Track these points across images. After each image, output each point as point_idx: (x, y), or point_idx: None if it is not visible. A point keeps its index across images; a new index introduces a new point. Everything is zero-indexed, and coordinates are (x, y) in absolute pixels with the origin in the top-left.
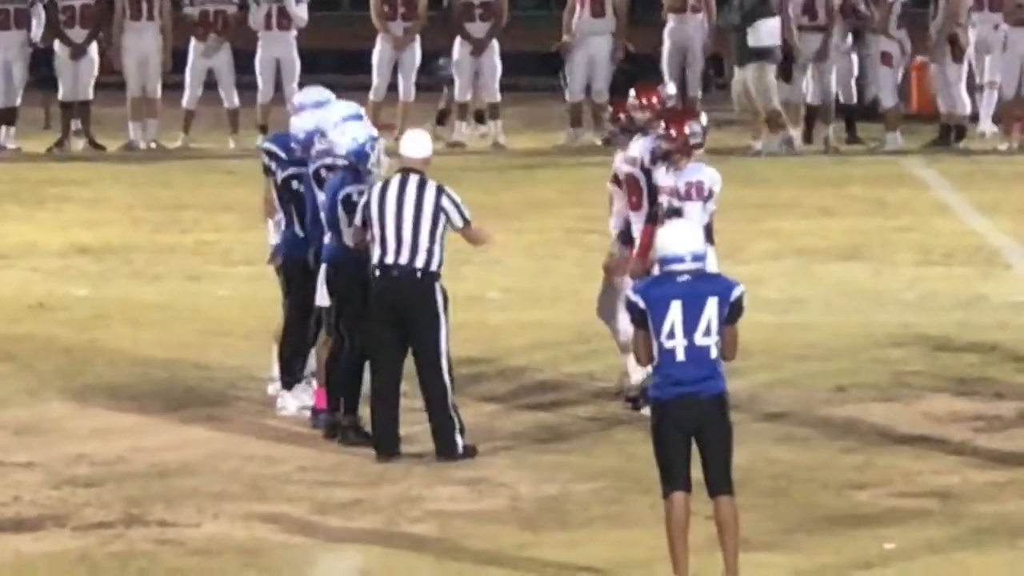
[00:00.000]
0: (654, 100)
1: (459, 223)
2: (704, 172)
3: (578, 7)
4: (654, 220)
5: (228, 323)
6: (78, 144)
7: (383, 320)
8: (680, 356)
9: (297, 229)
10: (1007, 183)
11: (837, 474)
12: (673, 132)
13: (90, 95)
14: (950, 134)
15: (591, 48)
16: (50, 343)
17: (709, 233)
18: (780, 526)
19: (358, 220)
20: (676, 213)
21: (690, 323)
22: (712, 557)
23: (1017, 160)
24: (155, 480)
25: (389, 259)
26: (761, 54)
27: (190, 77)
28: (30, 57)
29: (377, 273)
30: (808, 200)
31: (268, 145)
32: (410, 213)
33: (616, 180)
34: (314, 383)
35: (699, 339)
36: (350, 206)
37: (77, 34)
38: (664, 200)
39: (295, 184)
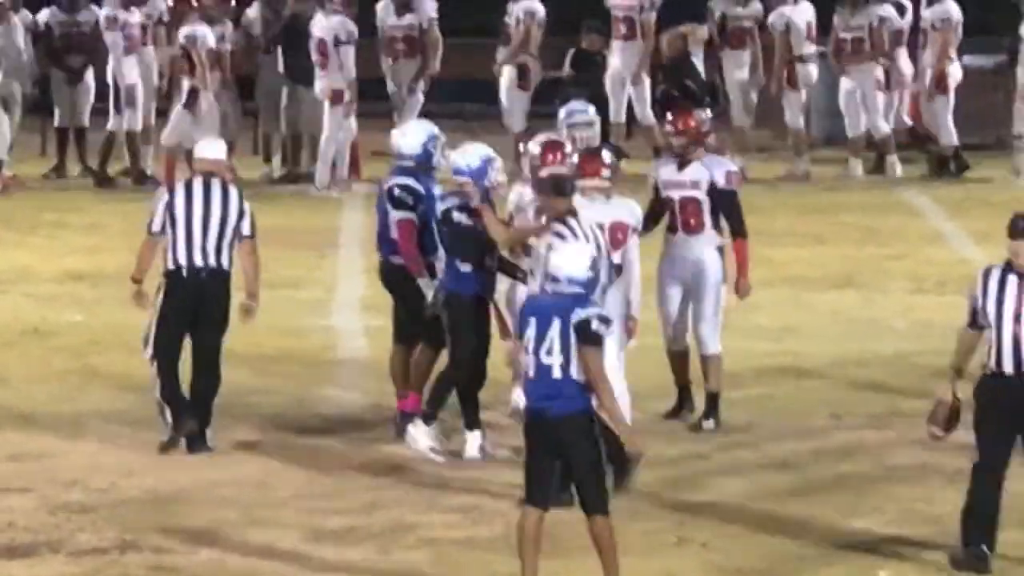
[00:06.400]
0: (691, 124)
1: (247, 231)
2: (626, 208)
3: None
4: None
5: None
6: (74, 170)
7: (180, 321)
8: (531, 372)
9: (459, 264)
10: (1001, 211)
11: (831, 502)
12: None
13: (86, 122)
14: (946, 164)
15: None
16: (44, 369)
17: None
18: (774, 554)
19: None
20: (619, 270)
21: (538, 340)
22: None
23: (1011, 189)
24: (149, 506)
25: (198, 261)
26: None
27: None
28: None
29: (183, 274)
30: (801, 228)
31: (407, 182)
32: (217, 215)
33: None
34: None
35: (543, 357)
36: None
37: (74, 60)
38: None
39: (456, 216)
